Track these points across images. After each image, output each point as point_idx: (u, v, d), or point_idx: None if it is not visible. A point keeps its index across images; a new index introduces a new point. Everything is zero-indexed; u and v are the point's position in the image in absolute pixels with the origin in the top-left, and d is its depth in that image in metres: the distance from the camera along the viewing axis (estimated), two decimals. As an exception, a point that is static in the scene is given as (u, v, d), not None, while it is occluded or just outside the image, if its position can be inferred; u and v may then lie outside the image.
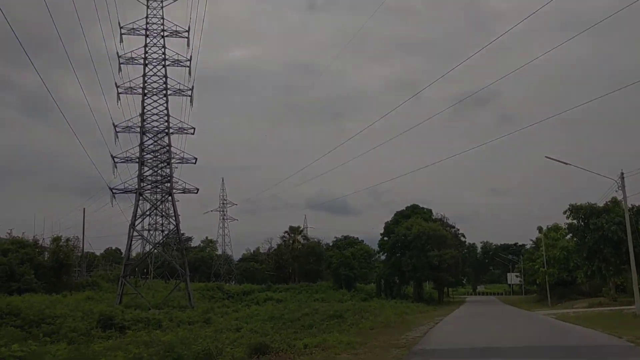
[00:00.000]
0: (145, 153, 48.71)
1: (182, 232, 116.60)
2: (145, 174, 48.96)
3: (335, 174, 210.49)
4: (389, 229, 73.29)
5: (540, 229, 71.13)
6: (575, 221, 47.51)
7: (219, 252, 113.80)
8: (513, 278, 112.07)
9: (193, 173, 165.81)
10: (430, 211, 79.17)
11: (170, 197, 50.47)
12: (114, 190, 47.61)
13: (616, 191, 28.10)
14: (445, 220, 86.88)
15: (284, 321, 30.99)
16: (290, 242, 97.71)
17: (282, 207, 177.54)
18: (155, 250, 63.09)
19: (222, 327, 28.88)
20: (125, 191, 48.06)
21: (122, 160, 48.47)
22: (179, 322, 33.58)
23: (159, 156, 49.61)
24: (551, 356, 12.24)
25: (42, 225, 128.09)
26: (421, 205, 78.86)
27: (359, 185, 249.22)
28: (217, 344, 17.26)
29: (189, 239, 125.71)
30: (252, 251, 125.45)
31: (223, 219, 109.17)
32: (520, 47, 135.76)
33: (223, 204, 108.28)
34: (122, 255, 65.22)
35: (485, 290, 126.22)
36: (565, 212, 47.58)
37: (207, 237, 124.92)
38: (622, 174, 27.67)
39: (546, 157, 29.51)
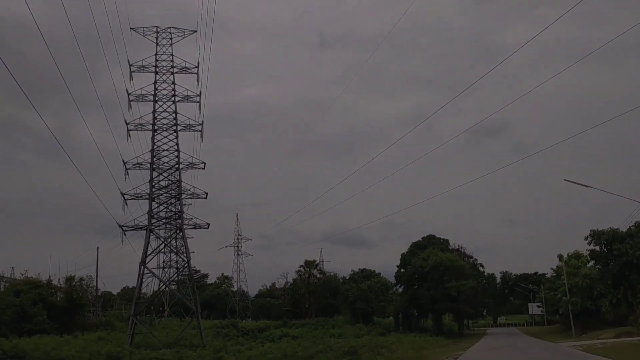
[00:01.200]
0: (155, 189, 48.36)
1: (197, 269, 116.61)
2: (155, 210, 48.50)
3: (351, 207, 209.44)
4: (405, 260, 71.94)
5: (560, 256, 69.26)
6: (597, 247, 46.05)
7: (235, 288, 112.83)
8: (534, 308, 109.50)
9: (208, 210, 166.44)
10: (447, 241, 77.79)
11: (181, 233, 49.86)
12: (124, 228, 47.17)
13: (640, 214, 26.81)
14: (462, 251, 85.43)
15: (297, 359, 29.98)
16: (306, 276, 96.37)
17: (298, 242, 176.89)
18: (167, 288, 62.25)
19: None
20: (136, 228, 47.56)
21: (133, 197, 48.11)
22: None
23: (170, 192, 49.22)
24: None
25: (58, 266, 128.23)
26: (437, 236, 77.61)
27: (375, 218, 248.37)
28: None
29: (205, 275, 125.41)
30: (267, 286, 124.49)
31: (238, 254, 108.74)
32: (530, 79, 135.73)
33: (238, 239, 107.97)
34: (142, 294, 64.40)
35: (507, 322, 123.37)
36: (586, 239, 46.18)
37: (222, 274, 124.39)
38: (646, 195, 26.49)
39: (565, 179, 28.50)
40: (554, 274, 77.40)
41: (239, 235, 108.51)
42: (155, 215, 48.44)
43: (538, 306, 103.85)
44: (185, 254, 50.26)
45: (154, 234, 48.59)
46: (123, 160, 48.46)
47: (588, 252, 49.56)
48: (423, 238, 76.44)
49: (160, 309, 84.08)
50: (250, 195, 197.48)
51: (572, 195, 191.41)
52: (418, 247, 73.30)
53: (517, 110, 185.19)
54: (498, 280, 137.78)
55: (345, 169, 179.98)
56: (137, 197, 48.10)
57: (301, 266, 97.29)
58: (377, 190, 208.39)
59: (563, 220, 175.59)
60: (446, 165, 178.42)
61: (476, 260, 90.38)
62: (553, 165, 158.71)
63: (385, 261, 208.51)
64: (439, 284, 63.59)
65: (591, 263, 55.95)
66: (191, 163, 49.83)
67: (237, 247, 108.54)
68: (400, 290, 73.76)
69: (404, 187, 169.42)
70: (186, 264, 51.22)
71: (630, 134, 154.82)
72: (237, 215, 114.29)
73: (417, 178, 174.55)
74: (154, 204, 48.34)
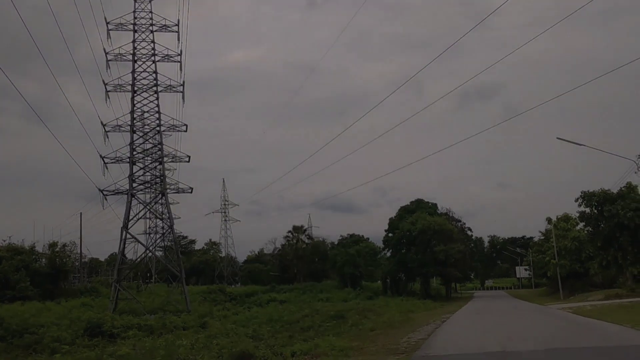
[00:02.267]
0: (136, 152, 47.00)
1: (185, 235, 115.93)
2: (137, 174, 47.29)
3: (341, 173, 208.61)
4: (393, 224, 71.62)
5: (549, 219, 69.13)
6: (587, 209, 45.64)
7: (223, 254, 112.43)
8: (522, 271, 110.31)
9: (195, 176, 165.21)
10: (435, 205, 77.54)
11: (163, 197, 48.75)
12: (104, 192, 45.87)
13: (635, 172, 26.09)
14: (451, 215, 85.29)
15: (283, 323, 29.36)
16: (294, 242, 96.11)
17: (287, 208, 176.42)
18: (152, 254, 61.39)
19: (216, 332, 27.24)
20: (116, 192, 46.27)
21: (113, 161, 46.68)
22: (173, 328, 32.04)
23: (151, 155, 47.94)
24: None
25: (42, 232, 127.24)
26: (426, 200, 77.20)
27: (365, 183, 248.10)
28: (194, 354, 15.52)
29: (193, 241, 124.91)
30: (256, 252, 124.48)
31: (225, 220, 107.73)
32: (524, 42, 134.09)
33: (224, 205, 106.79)
34: (126, 259, 63.41)
35: (494, 285, 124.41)
36: (577, 200, 45.76)
37: (210, 240, 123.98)
38: (642, 153, 25.62)
39: (558, 138, 27.68)
40: (543, 237, 77.41)
41: (225, 201, 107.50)
42: (136, 179, 47.27)
43: (525, 269, 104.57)
44: (168, 219, 49.26)
45: (135, 199, 47.41)
46: (102, 122, 46.92)
47: (577, 215, 49.19)
48: (411, 202, 76.08)
49: (148, 274, 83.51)
50: (237, 160, 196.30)
51: (563, 159, 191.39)
52: (406, 212, 72.95)
53: (511, 74, 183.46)
54: (486, 244, 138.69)
55: (335, 134, 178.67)
56: (118, 160, 46.74)
57: (289, 232, 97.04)
58: (368, 156, 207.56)
59: (553, 184, 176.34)
60: (438, 130, 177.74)
61: (464, 224, 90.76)
62: (545, 128, 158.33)
63: (375, 227, 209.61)
64: (427, 247, 63.44)
65: (580, 225, 55.70)
66: (173, 125, 48.36)
67: (224, 212, 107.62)
68: (389, 254, 73.60)
69: (395, 152, 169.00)
70: (169, 229, 50.25)
71: (623, 93, 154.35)
72: (223, 180, 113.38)
73: (409, 143, 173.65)
74: (135, 168, 47.09)
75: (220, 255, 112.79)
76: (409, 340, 15.74)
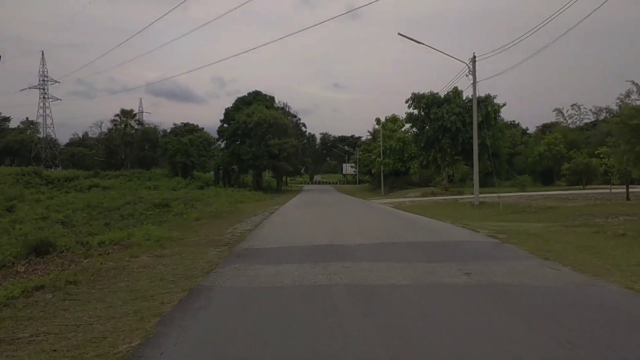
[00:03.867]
0: None
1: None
2: None
3: (178, 58, 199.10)
4: (229, 115, 69.90)
5: (378, 120, 71.99)
6: (416, 111, 47.70)
7: (42, 134, 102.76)
8: (348, 168, 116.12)
9: (10, 45, 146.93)
10: (272, 99, 76.85)
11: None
12: None
13: (466, 75, 26.91)
14: (287, 110, 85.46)
15: (101, 210, 27.30)
16: (122, 126, 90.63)
17: (118, 91, 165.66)
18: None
19: (23, 217, 24.54)
20: None
21: None
22: (-29, 212, 28.46)
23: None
24: (406, 257, 9.98)
25: None
26: (264, 93, 76.01)
27: (203, 72, 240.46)
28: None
29: (7, 119, 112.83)
30: (80, 135, 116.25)
31: (44, 98, 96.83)
32: None
33: (43, 81, 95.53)
34: None
35: (322, 180, 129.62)
36: (407, 101, 47.50)
37: (27, 118, 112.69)
38: (474, 57, 26.41)
39: (399, 34, 27.30)
40: (370, 137, 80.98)
41: (45, 76, 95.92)
42: None
43: (352, 166, 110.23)
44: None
45: None
46: None
47: (405, 116, 51.38)
48: (249, 94, 74.52)
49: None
50: (60, 33, 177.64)
51: (399, 62, 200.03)
52: (243, 103, 71.44)
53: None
54: (318, 141, 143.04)
55: (175, 14, 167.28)
56: None
57: (117, 115, 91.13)
58: (209, 43, 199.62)
59: (388, 87, 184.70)
60: (281, 24, 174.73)
61: (300, 120, 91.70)
62: (385, 32, 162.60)
63: (211, 117, 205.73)
64: (262, 140, 63.23)
65: (407, 127, 58.62)
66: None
67: (43, 89, 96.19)
68: (223, 145, 72.43)
69: (237, 42, 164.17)
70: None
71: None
72: (42, 53, 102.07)
73: (252, 34, 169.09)
74: None
75: (38, 135, 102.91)
76: (234, 232, 14.96)
